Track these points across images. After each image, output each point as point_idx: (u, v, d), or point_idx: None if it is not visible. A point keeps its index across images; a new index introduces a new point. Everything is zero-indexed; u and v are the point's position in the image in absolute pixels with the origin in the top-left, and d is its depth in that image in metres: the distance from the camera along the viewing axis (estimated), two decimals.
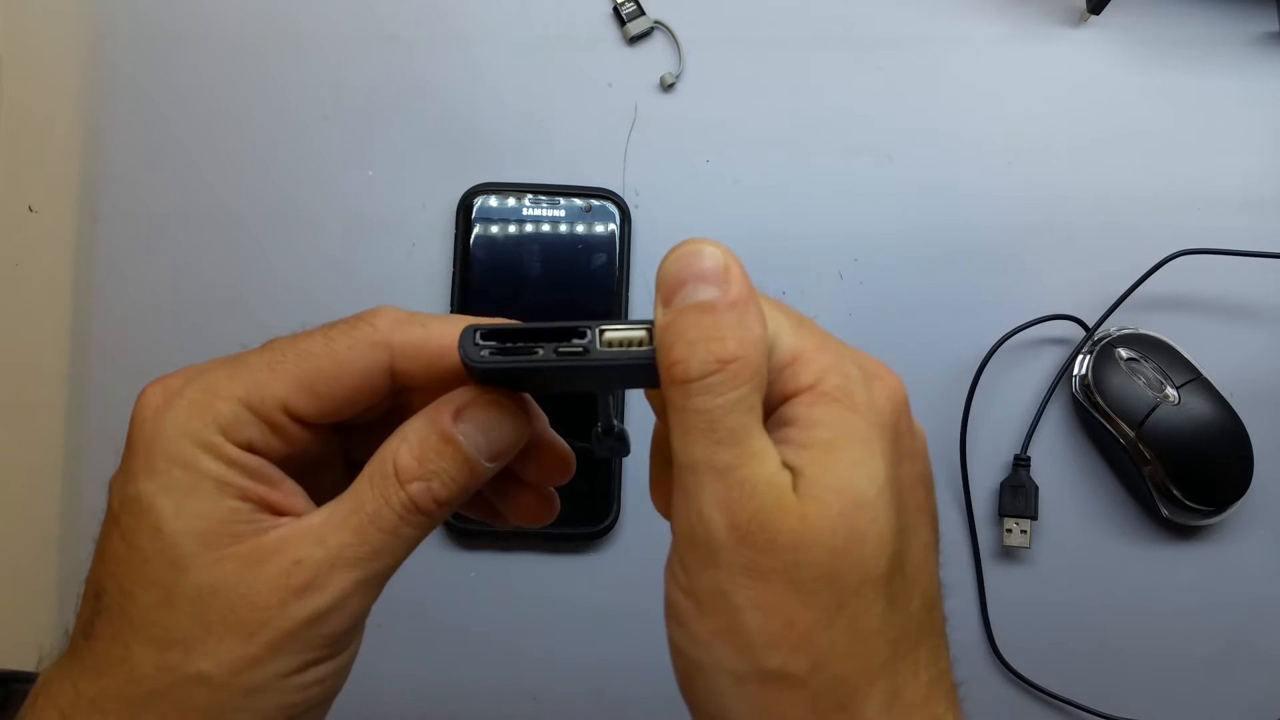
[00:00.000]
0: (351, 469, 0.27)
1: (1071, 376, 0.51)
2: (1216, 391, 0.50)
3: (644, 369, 0.24)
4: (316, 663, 0.25)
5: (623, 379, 0.27)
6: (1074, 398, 0.51)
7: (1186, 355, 0.51)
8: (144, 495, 0.24)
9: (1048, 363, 0.52)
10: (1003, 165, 0.53)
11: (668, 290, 0.23)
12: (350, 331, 0.26)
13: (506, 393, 0.26)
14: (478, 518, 0.31)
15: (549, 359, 0.24)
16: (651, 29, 0.53)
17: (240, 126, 0.53)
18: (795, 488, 0.23)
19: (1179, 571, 0.51)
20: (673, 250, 0.24)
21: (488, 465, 0.26)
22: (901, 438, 0.24)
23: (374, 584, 0.25)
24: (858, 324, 0.52)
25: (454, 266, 0.52)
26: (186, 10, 0.53)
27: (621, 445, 0.30)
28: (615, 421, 0.30)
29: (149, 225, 0.53)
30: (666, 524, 0.27)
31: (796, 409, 0.23)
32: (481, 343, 0.25)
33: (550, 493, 0.31)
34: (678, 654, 0.24)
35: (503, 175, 0.52)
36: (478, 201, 0.52)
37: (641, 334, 0.24)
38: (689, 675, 0.24)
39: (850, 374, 0.24)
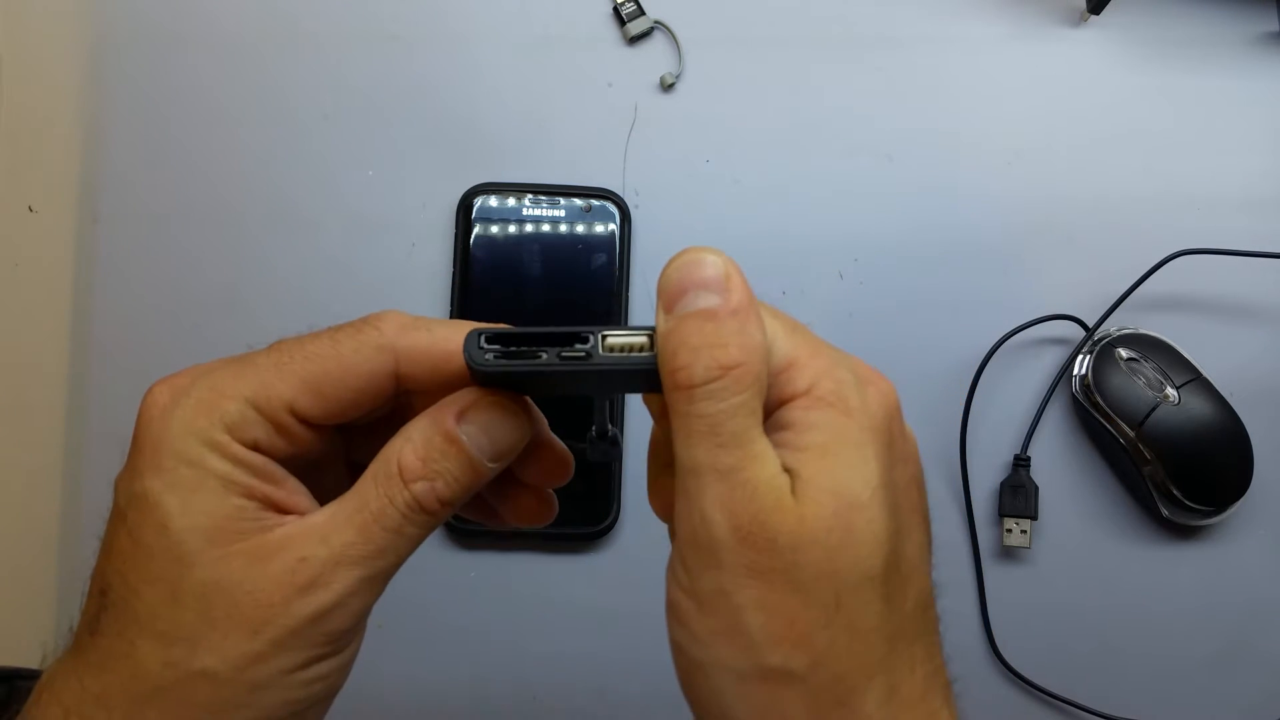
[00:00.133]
0: (353, 470, 0.28)
1: (1071, 376, 0.51)
2: (1216, 391, 0.50)
3: (645, 374, 0.25)
4: (320, 659, 0.25)
5: (624, 383, 0.27)
6: (1074, 398, 0.51)
7: (1186, 355, 0.51)
8: (150, 492, 0.24)
9: (1048, 363, 0.52)
10: (1003, 165, 0.53)
11: (670, 297, 0.24)
12: (356, 335, 0.26)
13: (508, 395, 0.27)
14: (476, 519, 0.31)
15: (552, 363, 0.25)
16: (651, 29, 0.53)
17: (240, 126, 0.53)
18: (793, 490, 0.23)
19: (1179, 571, 0.51)
20: (674, 258, 0.24)
21: (490, 465, 0.26)
22: (894, 441, 0.25)
23: (377, 582, 0.26)
24: (858, 324, 0.52)
25: (454, 266, 0.52)
26: (186, 10, 0.54)
27: (614, 449, 0.31)
28: (609, 426, 0.30)
29: (149, 225, 0.53)
30: (665, 525, 0.27)
31: (792, 413, 0.24)
32: (486, 346, 0.25)
33: (549, 494, 0.31)
34: (679, 653, 0.24)
35: (503, 175, 0.52)
36: (478, 201, 0.52)
37: (643, 339, 0.25)
38: (690, 674, 0.24)
39: (844, 379, 0.24)
